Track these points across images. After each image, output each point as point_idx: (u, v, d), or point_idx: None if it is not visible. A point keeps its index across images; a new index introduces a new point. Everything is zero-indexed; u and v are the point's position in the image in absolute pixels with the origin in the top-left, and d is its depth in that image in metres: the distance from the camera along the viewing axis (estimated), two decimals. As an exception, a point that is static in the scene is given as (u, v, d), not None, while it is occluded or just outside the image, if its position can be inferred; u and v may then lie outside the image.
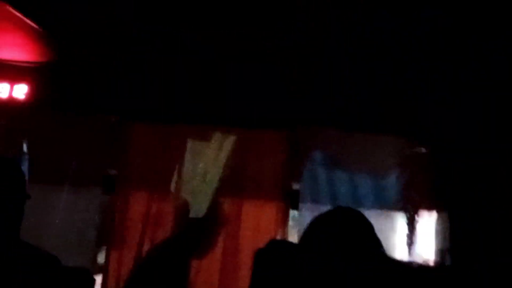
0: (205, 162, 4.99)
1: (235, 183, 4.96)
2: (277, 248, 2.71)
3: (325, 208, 4.42)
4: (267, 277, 2.57)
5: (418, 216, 4.72)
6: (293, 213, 4.87)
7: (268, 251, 2.68)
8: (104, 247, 5.05)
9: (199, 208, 4.96)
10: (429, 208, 4.75)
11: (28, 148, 5.08)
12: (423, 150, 4.81)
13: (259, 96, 4.94)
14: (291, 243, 2.90)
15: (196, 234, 4.91)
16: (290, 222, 4.83)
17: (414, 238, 4.67)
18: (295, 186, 4.92)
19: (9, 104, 5.11)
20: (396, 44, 4.24)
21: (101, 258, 5.04)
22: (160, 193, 5.08)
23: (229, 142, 5.04)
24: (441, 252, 4.62)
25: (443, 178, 4.57)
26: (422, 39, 4.24)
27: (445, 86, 4.54)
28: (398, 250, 4.62)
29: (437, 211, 4.73)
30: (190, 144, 5.08)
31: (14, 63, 5.10)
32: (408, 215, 4.73)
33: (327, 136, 4.96)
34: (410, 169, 4.82)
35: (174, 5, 4.21)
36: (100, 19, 4.35)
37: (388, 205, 4.74)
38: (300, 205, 4.87)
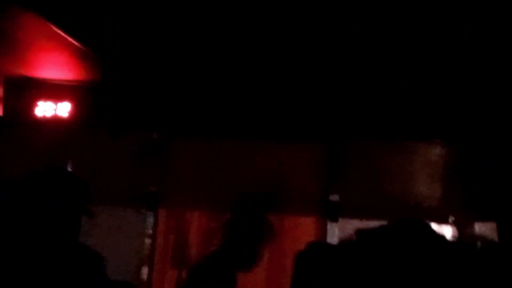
0: (246, 177, 5.02)
1: (275, 196, 4.98)
2: (317, 250, 2.72)
3: (365, 221, 4.49)
4: (308, 279, 2.58)
5: (463, 225, 4.66)
6: (331, 225, 4.86)
7: (308, 254, 2.69)
8: (147, 265, 5.09)
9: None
10: (473, 216, 4.69)
11: (71, 166, 5.17)
12: (465, 157, 4.77)
13: (299, 109, 4.98)
14: (331, 245, 2.90)
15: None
16: (329, 235, 4.82)
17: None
18: (334, 198, 4.91)
19: (53, 123, 5.23)
20: (433, 50, 4.22)
21: (144, 276, 5.08)
22: (202, 209, 5.12)
23: (270, 156, 5.07)
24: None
25: (486, 185, 4.52)
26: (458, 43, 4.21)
27: (485, 90, 4.51)
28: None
29: (482, 220, 4.66)
30: (231, 159, 5.11)
31: (57, 82, 5.23)
32: (452, 224, 4.68)
33: (368, 148, 4.95)
34: (453, 177, 4.78)
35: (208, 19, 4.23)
36: (141, 37, 4.41)
37: (431, 214, 4.69)
38: (340, 217, 4.86)
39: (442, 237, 2.29)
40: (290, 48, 4.38)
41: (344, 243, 2.35)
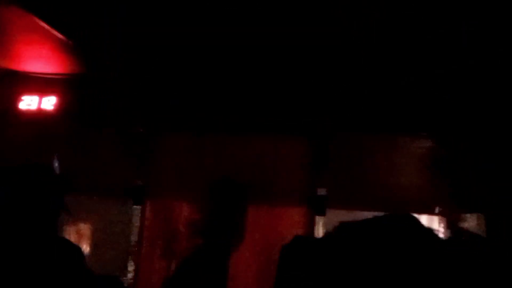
0: (230, 170, 5.01)
1: (261, 189, 4.97)
2: (302, 243, 2.71)
3: (352, 214, 4.49)
4: (292, 272, 2.57)
5: (449, 217, 4.67)
6: (318, 218, 4.86)
7: (292, 247, 2.68)
8: (134, 256, 5.08)
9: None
10: (461, 208, 4.69)
11: (57, 160, 5.14)
12: (452, 150, 4.77)
13: (284, 101, 4.97)
14: (315, 239, 2.89)
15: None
16: (316, 228, 4.83)
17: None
18: (322, 192, 4.91)
19: (38, 116, 5.19)
20: (422, 44, 4.22)
21: (131, 267, 5.07)
22: (189, 202, 5.11)
23: (255, 148, 5.06)
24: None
25: (473, 178, 4.53)
26: (450, 41, 4.22)
27: (473, 86, 4.52)
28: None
29: (469, 212, 4.67)
30: (215, 152, 5.10)
31: (42, 75, 5.19)
32: (439, 217, 4.69)
33: (355, 141, 4.95)
34: (439, 170, 4.78)
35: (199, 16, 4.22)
36: (127, 31, 4.38)
37: (418, 207, 4.69)
38: (327, 210, 4.86)
39: (429, 230, 2.26)
40: (281, 46, 4.39)
41: (328, 236, 2.32)
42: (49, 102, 5.18)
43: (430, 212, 4.71)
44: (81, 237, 5.07)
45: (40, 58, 4.92)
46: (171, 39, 4.41)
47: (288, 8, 3.80)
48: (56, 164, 5.10)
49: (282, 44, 4.31)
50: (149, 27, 4.20)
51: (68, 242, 2.67)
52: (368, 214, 2.33)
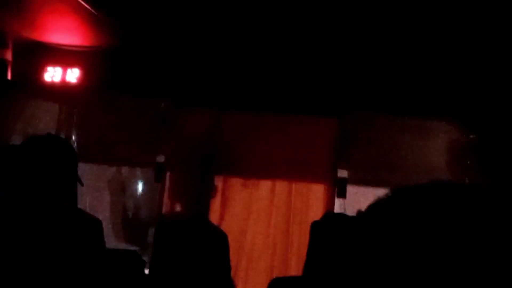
0: (255, 147, 5.01)
1: (286, 168, 4.98)
2: (333, 219, 2.71)
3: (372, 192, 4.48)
4: (323, 248, 2.57)
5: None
6: (339, 200, 4.86)
7: (323, 223, 2.68)
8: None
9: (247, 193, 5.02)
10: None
11: (80, 130, 5.16)
12: (473, 136, 4.77)
13: (310, 82, 4.96)
14: (346, 215, 2.88)
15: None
16: (337, 208, 4.82)
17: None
18: (343, 174, 4.91)
19: (62, 88, 5.20)
20: (447, 30, 4.21)
21: (150, 238, 5.07)
22: (209, 179, 5.11)
23: (280, 128, 5.05)
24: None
25: (491, 166, 4.52)
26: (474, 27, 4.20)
27: (497, 74, 4.51)
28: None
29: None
30: (240, 130, 5.09)
31: (67, 47, 5.18)
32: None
33: (378, 122, 4.94)
34: (460, 155, 4.77)
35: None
36: (154, 4, 4.37)
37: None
38: (349, 189, 4.86)
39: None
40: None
41: (360, 214, 2.30)
42: (73, 74, 5.18)
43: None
44: (100, 209, 5.07)
45: (65, 30, 4.91)
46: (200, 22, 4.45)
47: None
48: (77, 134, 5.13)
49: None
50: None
51: (87, 214, 2.65)
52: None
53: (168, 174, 5.13)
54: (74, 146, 3.20)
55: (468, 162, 4.69)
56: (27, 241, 2.25)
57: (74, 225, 2.44)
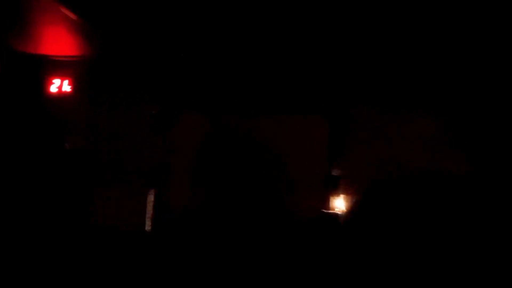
0: (249, 149, 5.02)
1: (277, 167, 4.98)
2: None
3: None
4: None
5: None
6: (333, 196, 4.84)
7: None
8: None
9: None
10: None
11: (78, 139, 5.24)
12: (459, 119, 4.71)
13: (299, 82, 4.96)
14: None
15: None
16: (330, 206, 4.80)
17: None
18: (336, 172, 4.88)
19: (59, 98, 5.29)
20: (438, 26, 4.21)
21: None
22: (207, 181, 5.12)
23: (273, 128, 5.05)
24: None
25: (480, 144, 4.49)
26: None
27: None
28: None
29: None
30: (233, 132, 5.11)
31: (61, 58, 5.27)
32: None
33: (370, 119, 4.91)
34: (450, 150, 4.71)
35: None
36: (141, 12, 4.43)
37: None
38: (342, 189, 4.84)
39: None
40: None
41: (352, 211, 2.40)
42: (67, 84, 5.26)
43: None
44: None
45: (57, 40, 4.99)
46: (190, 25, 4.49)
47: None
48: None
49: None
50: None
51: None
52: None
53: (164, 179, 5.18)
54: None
55: (457, 155, 4.63)
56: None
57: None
